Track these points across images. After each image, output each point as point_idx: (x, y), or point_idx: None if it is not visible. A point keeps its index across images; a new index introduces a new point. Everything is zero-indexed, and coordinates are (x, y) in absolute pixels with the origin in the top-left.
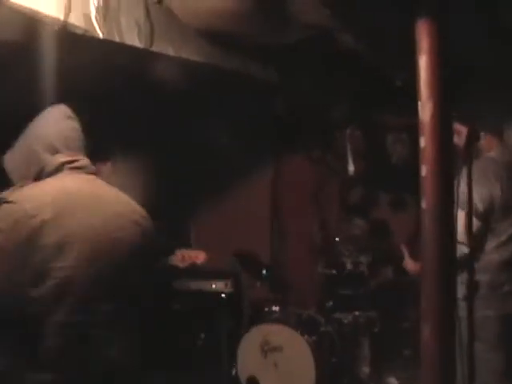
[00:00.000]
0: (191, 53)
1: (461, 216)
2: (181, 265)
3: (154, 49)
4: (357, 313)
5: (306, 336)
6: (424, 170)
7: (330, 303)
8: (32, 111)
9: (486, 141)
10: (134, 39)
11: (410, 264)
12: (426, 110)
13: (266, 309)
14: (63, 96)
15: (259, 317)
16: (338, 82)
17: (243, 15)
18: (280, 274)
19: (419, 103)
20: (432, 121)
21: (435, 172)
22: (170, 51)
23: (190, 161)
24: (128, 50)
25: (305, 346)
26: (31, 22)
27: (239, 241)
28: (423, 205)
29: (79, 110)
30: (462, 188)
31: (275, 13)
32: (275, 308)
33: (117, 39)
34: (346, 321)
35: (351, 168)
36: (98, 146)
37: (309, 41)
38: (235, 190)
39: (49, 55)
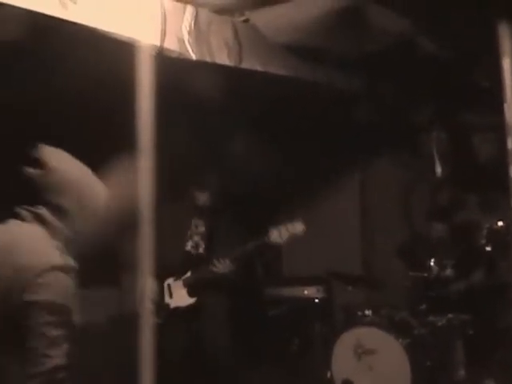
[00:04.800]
0: (278, 67)
1: None
2: (280, 240)
3: (243, 66)
4: (450, 315)
5: (400, 339)
6: None
7: (423, 306)
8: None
9: None
10: (224, 58)
11: None
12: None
13: (359, 312)
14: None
15: (352, 320)
16: (421, 87)
17: (325, 28)
18: (371, 277)
19: (505, 105)
20: None
21: None
22: (258, 67)
23: (278, 172)
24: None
25: (399, 349)
26: (130, 50)
27: (329, 246)
28: None
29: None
30: None
31: (356, 24)
32: (368, 311)
33: (208, 59)
34: (439, 323)
35: (439, 170)
36: None
37: (390, 49)
38: (324, 197)
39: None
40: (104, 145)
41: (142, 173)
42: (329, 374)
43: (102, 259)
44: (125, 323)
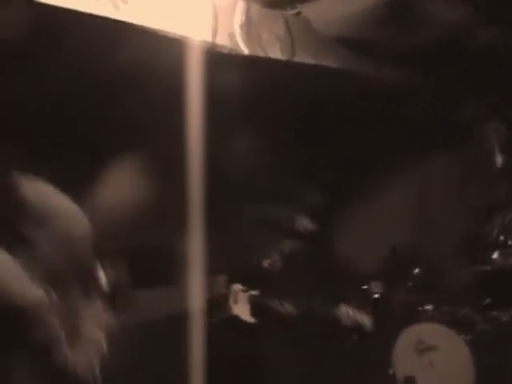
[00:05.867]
0: (329, 60)
1: None
2: (346, 322)
3: (296, 59)
4: None
5: (462, 335)
6: None
7: (486, 301)
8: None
9: None
10: (276, 52)
11: None
12: None
13: (419, 308)
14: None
15: (413, 316)
16: (476, 79)
17: (375, 20)
18: (431, 271)
19: None
20: None
21: None
22: (311, 60)
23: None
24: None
25: (462, 345)
26: (181, 47)
27: (386, 238)
28: None
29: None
30: None
31: (408, 16)
32: (428, 307)
33: (260, 54)
34: (504, 319)
35: (499, 160)
36: None
37: (445, 39)
38: (380, 189)
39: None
40: (153, 142)
41: (192, 172)
42: (391, 371)
43: (159, 258)
44: (182, 321)
